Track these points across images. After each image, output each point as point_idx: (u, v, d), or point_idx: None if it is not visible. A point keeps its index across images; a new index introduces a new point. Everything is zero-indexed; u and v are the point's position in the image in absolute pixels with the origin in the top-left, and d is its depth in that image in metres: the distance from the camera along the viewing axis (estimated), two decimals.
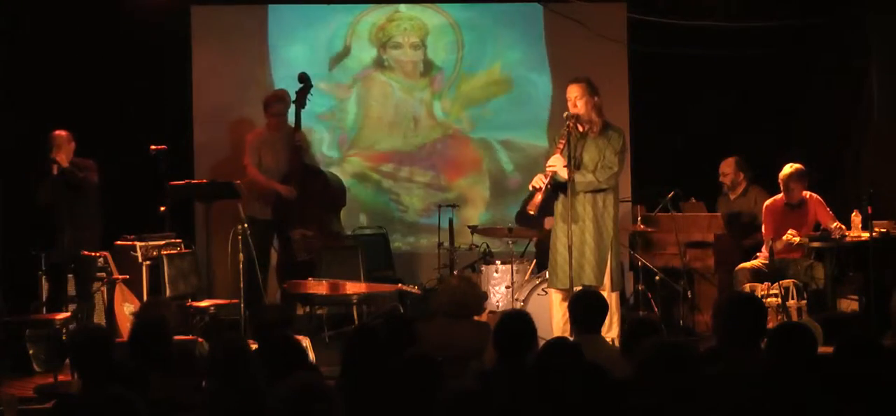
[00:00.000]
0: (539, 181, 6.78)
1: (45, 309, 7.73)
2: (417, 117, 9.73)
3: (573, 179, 6.68)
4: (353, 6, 9.67)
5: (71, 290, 7.68)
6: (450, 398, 3.27)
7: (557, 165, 6.69)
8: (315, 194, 8.42)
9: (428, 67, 9.74)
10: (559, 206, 6.80)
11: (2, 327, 7.46)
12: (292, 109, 8.45)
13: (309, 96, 8.52)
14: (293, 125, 8.43)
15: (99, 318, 7.51)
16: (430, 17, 9.74)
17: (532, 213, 6.90)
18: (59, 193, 7.62)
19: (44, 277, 7.89)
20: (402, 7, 9.72)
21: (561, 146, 6.71)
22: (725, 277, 8.19)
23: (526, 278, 7.95)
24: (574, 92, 6.80)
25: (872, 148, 8.97)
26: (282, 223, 8.40)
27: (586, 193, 6.73)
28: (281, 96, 8.56)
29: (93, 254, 7.55)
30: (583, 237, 6.71)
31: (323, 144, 9.61)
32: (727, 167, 8.72)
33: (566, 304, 6.02)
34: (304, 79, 8.51)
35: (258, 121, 8.87)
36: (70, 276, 7.68)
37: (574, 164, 6.70)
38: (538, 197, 6.77)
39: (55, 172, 7.59)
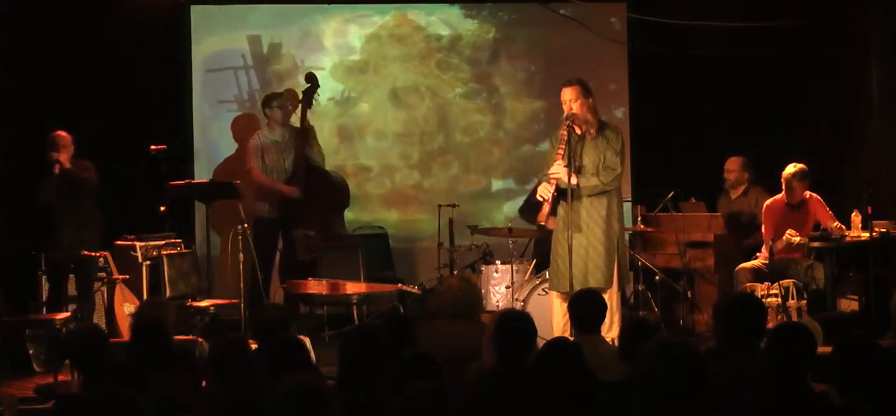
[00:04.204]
0: (545, 191, 6.75)
1: (45, 309, 7.73)
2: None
3: (578, 185, 6.68)
4: (354, 6, 9.67)
5: (71, 289, 7.68)
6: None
7: (560, 172, 6.66)
8: (319, 194, 8.41)
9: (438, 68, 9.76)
10: (560, 211, 6.79)
11: (2, 327, 7.47)
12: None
13: (316, 96, 8.52)
14: (300, 124, 8.42)
15: (98, 318, 7.52)
16: (433, 21, 9.73)
17: (543, 224, 6.88)
18: (60, 192, 7.65)
19: (44, 277, 7.90)
20: (409, 11, 9.71)
21: (561, 152, 6.69)
22: (725, 277, 8.19)
23: (526, 278, 7.95)
24: (568, 94, 6.77)
25: (872, 148, 8.97)
26: (286, 222, 8.39)
27: (590, 198, 6.72)
28: (279, 95, 8.57)
29: (93, 254, 7.56)
30: (589, 243, 6.70)
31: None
32: (733, 165, 8.72)
33: (566, 304, 6.01)
34: (310, 78, 8.52)
35: (257, 121, 8.87)
36: (70, 276, 7.68)
37: (575, 167, 6.69)
38: (546, 207, 6.76)
39: (57, 171, 7.61)
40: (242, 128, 9.27)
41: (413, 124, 9.73)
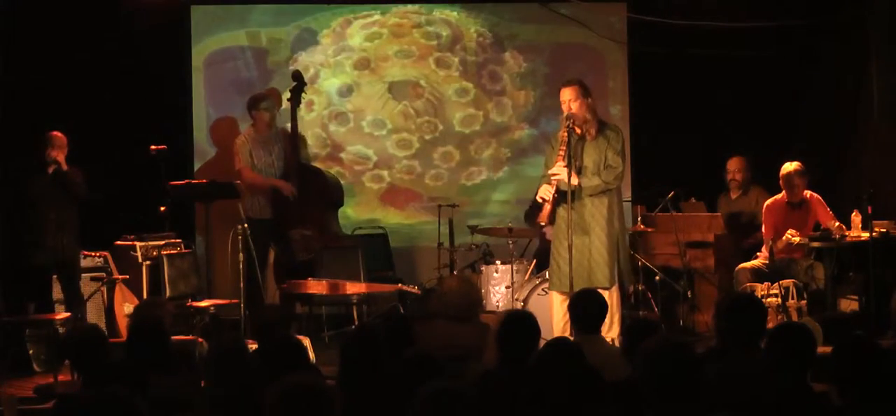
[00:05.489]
0: (546, 192, 6.77)
1: (32, 308, 7.70)
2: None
3: (580, 186, 6.68)
4: (355, 6, 9.66)
5: (57, 293, 7.63)
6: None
7: (562, 173, 6.66)
8: (314, 194, 8.41)
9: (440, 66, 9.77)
10: (561, 211, 6.79)
11: (1, 327, 7.45)
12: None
13: (303, 95, 8.51)
14: (291, 125, 8.42)
15: (98, 318, 7.51)
16: (434, 19, 9.73)
17: (544, 224, 6.90)
18: (50, 192, 7.57)
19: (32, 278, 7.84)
20: (410, 10, 9.71)
21: (562, 153, 6.69)
22: (725, 277, 8.19)
23: (526, 278, 7.95)
24: (568, 94, 6.78)
25: (872, 148, 8.97)
26: (281, 223, 8.38)
27: (592, 197, 6.72)
28: (266, 95, 8.56)
29: (94, 254, 7.54)
30: (592, 243, 6.71)
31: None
32: (737, 165, 8.72)
33: (566, 304, 6.01)
34: (297, 77, 8.51)
35: (237, 123, 8.90)
36: (54, 277, 7.65)
37: (576, 168, 6.69)
38: (547, 208, 6.77)
39: (51, 171, 7.57)
40: (225, 130, 9.26)
41: (411, 118, 9.71)
